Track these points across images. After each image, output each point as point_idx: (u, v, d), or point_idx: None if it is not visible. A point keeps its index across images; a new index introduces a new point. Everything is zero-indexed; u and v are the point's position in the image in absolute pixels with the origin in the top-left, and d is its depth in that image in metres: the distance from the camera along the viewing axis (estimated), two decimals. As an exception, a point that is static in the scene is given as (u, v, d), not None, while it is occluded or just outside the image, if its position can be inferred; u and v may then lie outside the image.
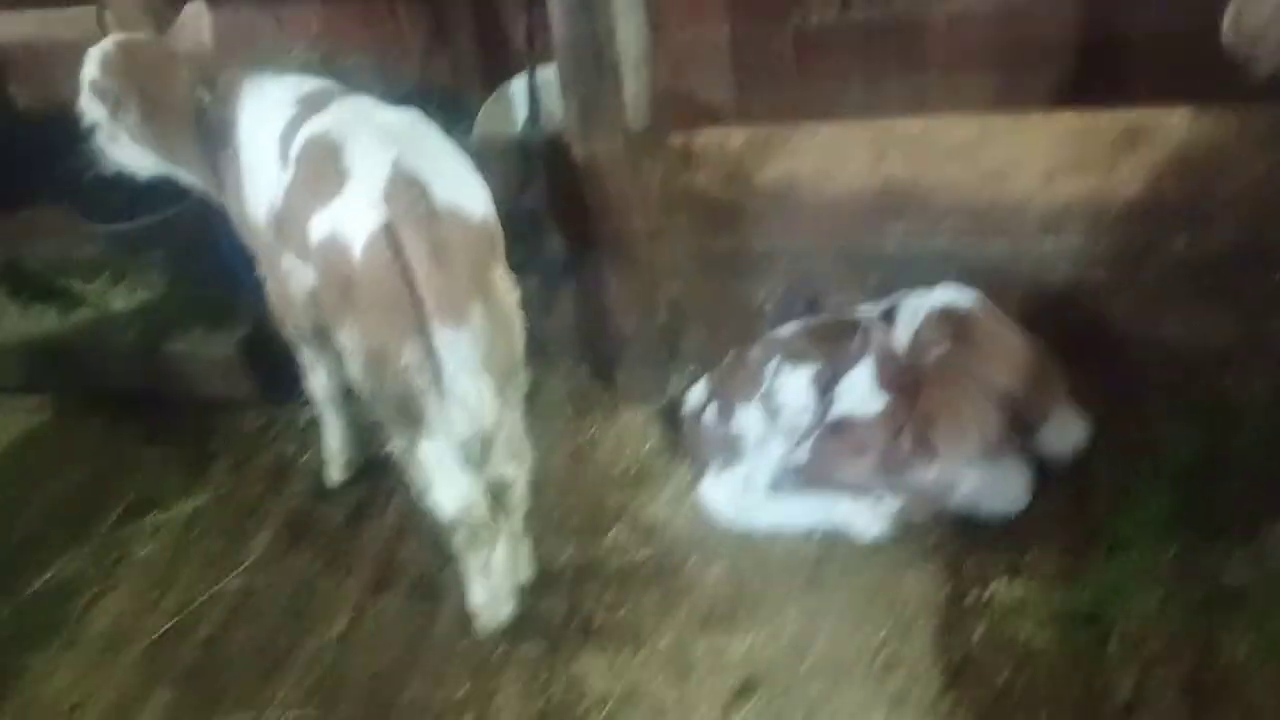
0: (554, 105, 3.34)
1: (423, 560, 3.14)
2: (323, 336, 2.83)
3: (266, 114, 2.74)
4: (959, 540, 2.75)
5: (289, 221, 2.55)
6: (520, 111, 3.81)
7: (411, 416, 2.39)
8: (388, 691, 2.78)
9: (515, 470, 2.64)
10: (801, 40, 3.63)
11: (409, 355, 2.28)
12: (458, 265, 2.23)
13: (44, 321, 4.02)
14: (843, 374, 2.79)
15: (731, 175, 3.02)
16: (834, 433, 2.60)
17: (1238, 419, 2.81)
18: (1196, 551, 2.54)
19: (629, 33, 3.02)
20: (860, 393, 2.57)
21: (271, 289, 2.98)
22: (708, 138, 2.98)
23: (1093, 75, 3.34)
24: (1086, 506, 2.72)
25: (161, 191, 3.21)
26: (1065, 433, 2.79)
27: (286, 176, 2.56)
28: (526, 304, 3.46)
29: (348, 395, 3.22)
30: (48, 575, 3.35)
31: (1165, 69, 3.19)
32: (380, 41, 4.17)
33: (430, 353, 2.27)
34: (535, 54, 3.15)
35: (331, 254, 2.31)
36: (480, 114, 3.84)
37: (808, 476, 2.64)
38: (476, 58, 4.13)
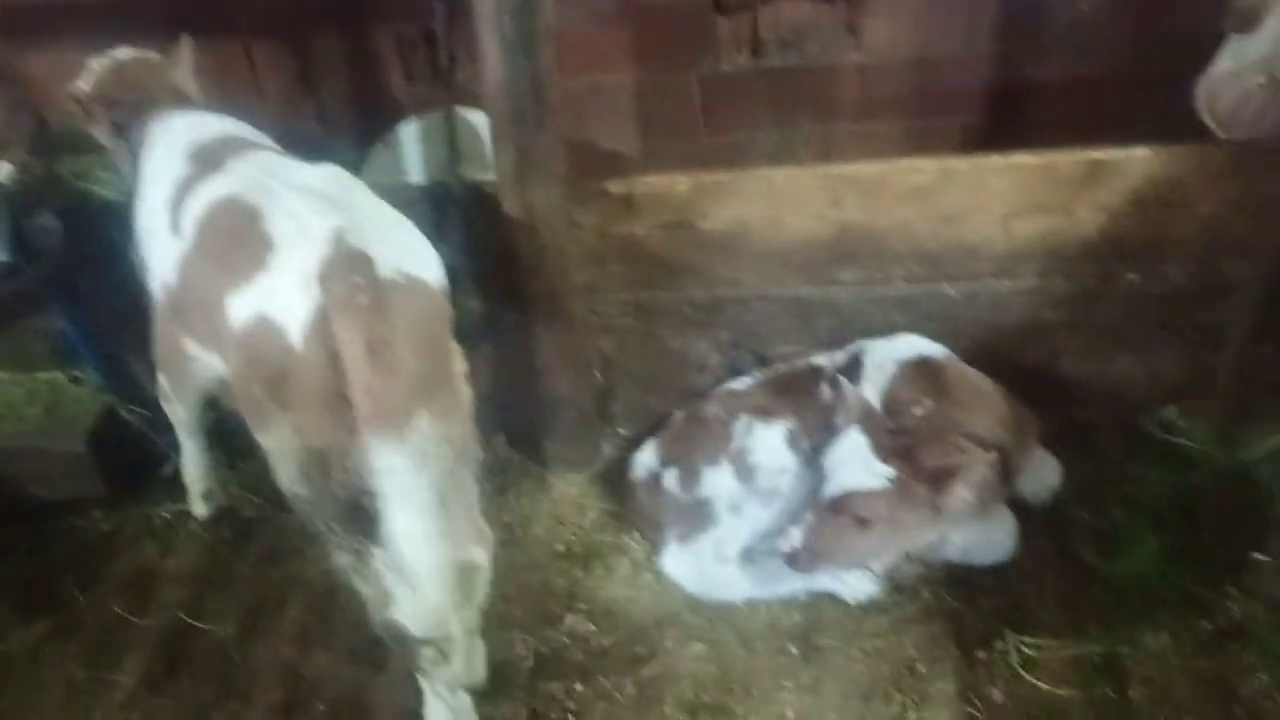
0: (463, 150, 3.07)
1: (339, 673, 2.71)
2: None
3: (160, 167, 2.37)
4: (954, 595, 2.63)
5: (189, 304, 2.17)
6: (411, 160, 3.50)
7: (359, 523, 2.00)
8: (328, 835, 2.34)
9: (481, 554, 2.27)
10: (710, 87, 3.52)
11: (359, 454, 1.89)
12: (403, 360, 1.84)
13: None
14: (817, 434, 2.62)
15: (673, 224, 2.83)
16: (836, 511, 2.40)
17: (1191, 454, 2.85)
18: (1193, 590, 2.53)
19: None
20: (858, 465, 2.40)
21: (163, 373, 2.59)
22: (651, 185, 2.78)
23: (1001, 122, 3.41)
24: (1072, 550, 2.67)
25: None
26: (1042, 477, 2.75)
27: (180, 248, 2.16)
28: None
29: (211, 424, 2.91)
30: None
31: (1072, 114, 3.32)
32: (234, 89, 3.71)
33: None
34: (454, 93, 2.86)
35: (262, 341, 1.91)
36: (368, 163, 3.49)
37: (806, 560, 2.43)
38: (347, 105, 3.77)
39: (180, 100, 2.63)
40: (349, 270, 1.83)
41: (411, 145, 3.40)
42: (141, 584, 3.03)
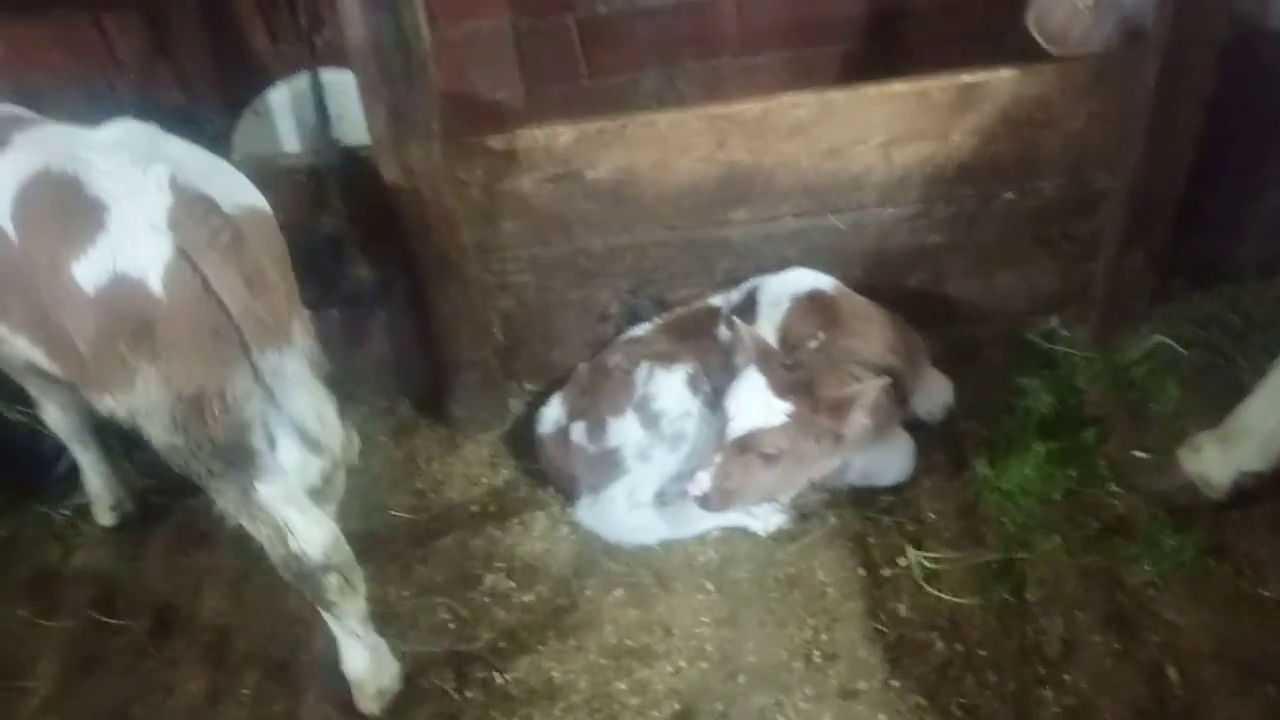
0: (339, 113, 2.98)
1: (262, 653, 2.69)
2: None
3: None
4: (858, 518, 2.73)
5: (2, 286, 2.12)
6: (284, 127, 3.37)
7: (240, 460, 2.06)
8: (268, 817, 2.35)
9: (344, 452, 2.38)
10: (589, 29, 3.47)
11: (239, 386, 1.98)
12: (273, 280, 1.99)
13: None
14: (718, 375, 2.66)
15: (560, 175, 2.80)
16: (742, 450, 2.45)
17: (1072, 361, 2.98)
18: (1079, 491, 2.66)
19: (410, 29, 2.72)
20: (758, 404, 2.44)
21: None
22: (533, 137, 2.74)
23: (878, 47, 3.44)
24: (966, 463, 2.78)
25: None
26: (935, 395, 2.85)
27: None
28: (327, 342, 3.10)
29: (96, 425, 2.83)
30: None
31: (944, 35, 3.37)
32: (86, 62, 3.52)
33: (258, 380, 2.02)
34: (318, 56, 2.76)
35: (120, 298, 1.92)
36: (237, 133, 3.35)
37: (718, 500, 2.48)
38: (210, 70, 3.60)
39: None
40: (201, 212, 1.90)
41: (283, 112, 3.28)
42: (47, 586, 2.95)
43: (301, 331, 2.04)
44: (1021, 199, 2.84)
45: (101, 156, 1.99)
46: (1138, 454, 2.72)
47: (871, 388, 2.43)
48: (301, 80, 3.30)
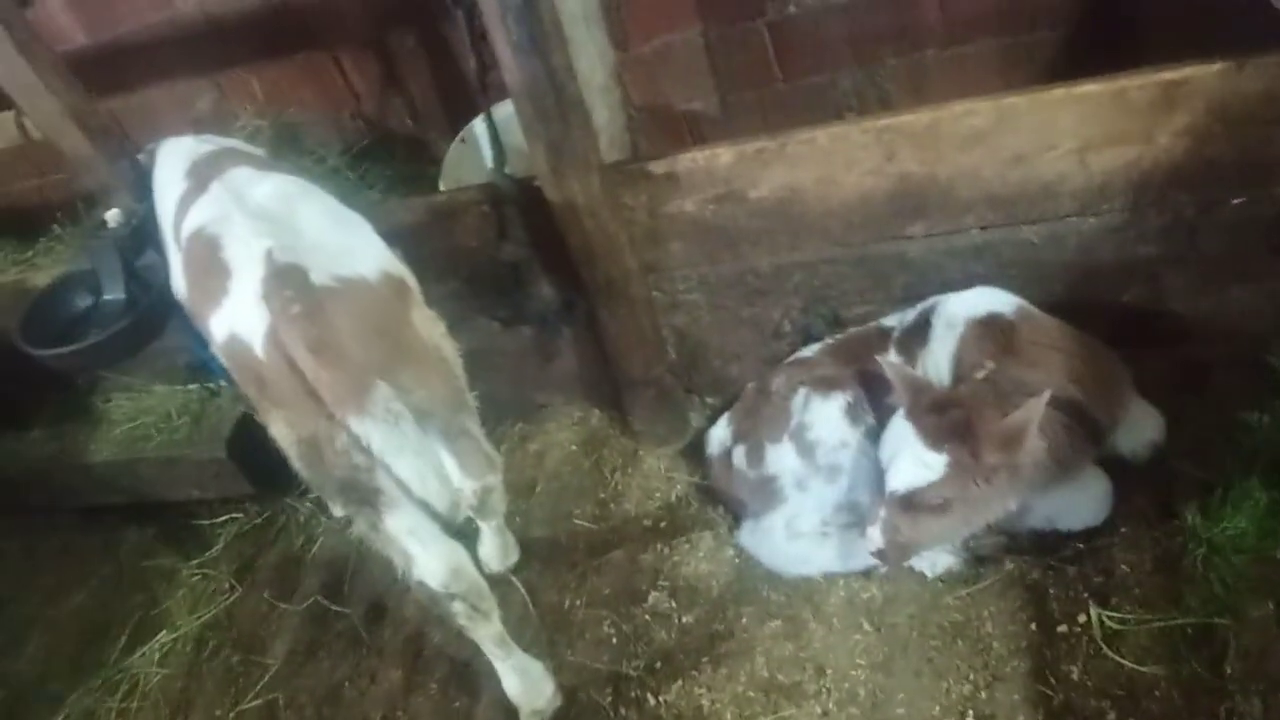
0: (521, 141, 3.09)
1: (451, 652, 2.90)
2: None
3: (166, 183, 2.63)
4: (1039, 566, 2.48)
5: (194, 316, 2.42)
6: (488, 153, 3.55)
7: (363, 496, 2.19)
8: (433, 802, 2.54)
9: (493, 478, 2.45)
10: (781, 32, 3.35)
11: (341, 439, 2.09)
12: (348, 351, 2.04)
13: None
14: (883, 403, 2.51)
15: (723, 196, 2.74)
16: (905, 509, 2.29)
17: (1323, 390, 2.53)
18: (1307, 549, 2.26)
19: (590, 56, 2.76)
20: (910, 459, 2.25)
21: None
22: (693, 160, 2.70)
23: (1099, 31, 3.06)
24: (1174, 510, 2.43)
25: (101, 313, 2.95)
26: (1140, 431, 2.51)
27: (179, 263, 2.43)
28: (523, 356, 3.26)
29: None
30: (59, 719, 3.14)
31: (1179, 15, 2.94)
32: (330, 96, 3.91)
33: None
34: (489, 96, 2.87)
35: (238, 353, 2.15)
36: (446, 160, 3.58)
37: (895, 555, 2.34)
38: (434, 100, 3.88)
39: None
40: (280, 285, 2.03)
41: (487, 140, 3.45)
42: (288, 572, 3.36)
43: (388, 398, 2.06)
44: (1253, 205, 2.43)
45: (239, 219, 2.21)
46: (1395, 511, 2.26)
47: (1035, 408, 2.17)
48: (503, 108, 3.47)
